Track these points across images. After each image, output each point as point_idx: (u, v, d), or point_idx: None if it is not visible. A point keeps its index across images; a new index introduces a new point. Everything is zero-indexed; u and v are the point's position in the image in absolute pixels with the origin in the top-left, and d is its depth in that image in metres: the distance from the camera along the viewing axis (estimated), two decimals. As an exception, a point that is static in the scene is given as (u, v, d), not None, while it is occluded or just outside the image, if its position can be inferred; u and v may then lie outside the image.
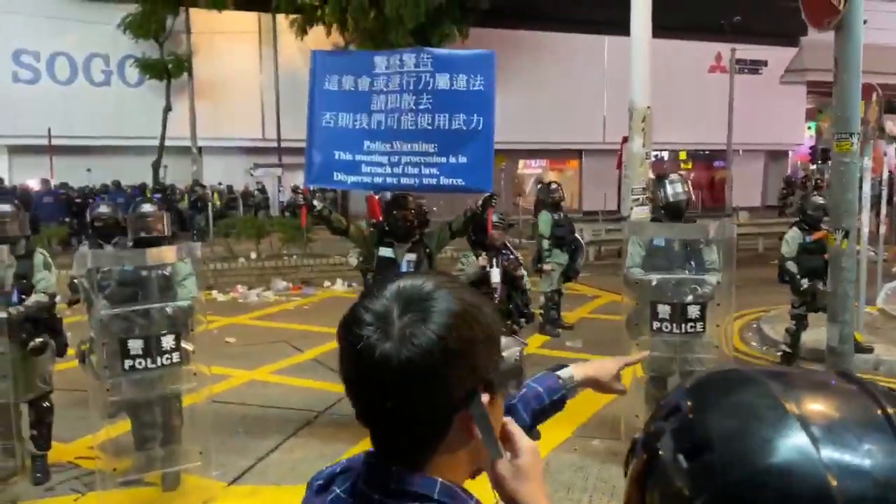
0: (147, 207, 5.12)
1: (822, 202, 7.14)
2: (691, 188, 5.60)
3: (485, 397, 0.96)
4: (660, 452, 0.57)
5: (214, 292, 12.06)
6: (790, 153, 31.65)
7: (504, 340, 1.03)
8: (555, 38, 25.69)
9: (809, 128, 32.02)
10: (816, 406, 0.54)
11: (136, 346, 4.38)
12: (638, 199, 9.61)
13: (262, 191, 22.93)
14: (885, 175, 9.74)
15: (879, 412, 0.53)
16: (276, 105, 23.70)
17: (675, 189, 5.50)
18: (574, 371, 1.50)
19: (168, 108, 22.16)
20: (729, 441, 0.53)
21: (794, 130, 30.29)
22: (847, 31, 4.31)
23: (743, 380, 0.59)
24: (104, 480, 4.54)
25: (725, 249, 5.05)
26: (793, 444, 0.51)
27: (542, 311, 8.81)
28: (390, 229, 5.55)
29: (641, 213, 8.84)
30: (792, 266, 7.12)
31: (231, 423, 5.97)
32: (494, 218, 5.82)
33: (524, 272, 5.76)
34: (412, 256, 5.49)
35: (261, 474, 5.09)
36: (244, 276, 13.10)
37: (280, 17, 22.37)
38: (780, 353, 7.58)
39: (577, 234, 9.45)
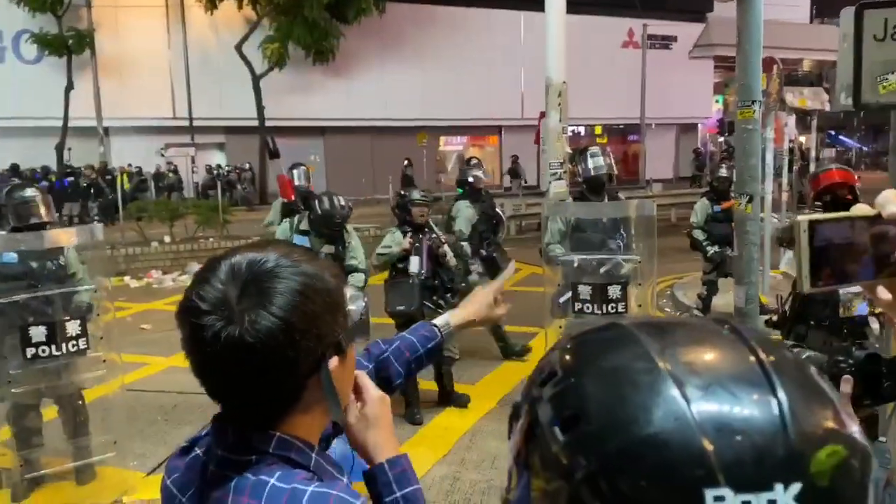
0: (29, 191, 4.64)
1: (727, 174, 7.46)
2: (612, 161, 5.44)
3: (334, 361, 0.99)
4: (539, 421, 0.54)
5: (127, 278, 11.60)
6: (699, 126, 32.81)
7: (348, 293, 1.05)
8: (471, 13, 25.71)
9: (717, 101, 33.27)
10: (691, 362, 0.51)
11: (38, 333, 4.14)
12: (556, 173, 9.77)
13: (175, 171, 22.11)
14: (786, 145, 10.23)
15: (753, 360, 0.51)
16: (186, 83, 22.82)
17: (595, 162, 5.30)
18: (450, 318, 1.53)
19: (70, 87, 21.01)
20: (603, 410, 0.50)
21: (702, 104, 31.41)
22: (748, 3, 4.47)
23: (619, 338, 0.55)
24: (10, 478, 4.33)
25: (645, 228, 4.96)
26: (668, 408, 0.48)
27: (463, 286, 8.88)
28: (315, 230, 5.50)
29: (559, 186, 8.99)
30: (699, 234, 7.45)
31: (149, 412, 5.79)
32: (416, 195, 5.78)
33: (447, 249, 5.74)
34: (330, 248, 5.44)
35: (182, 462, 4.95)
36: (158, 260, 12.64)
37: (188, -9, 21.50)
38: (692, 317, 7.91)
39: (497, 209, 9.53)
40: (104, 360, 4.49)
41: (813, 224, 0.74)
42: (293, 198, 7.15)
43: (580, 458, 0.49)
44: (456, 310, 1.58)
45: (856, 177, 4.14)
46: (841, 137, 37.68)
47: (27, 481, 4.43)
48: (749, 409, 0.47)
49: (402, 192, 6.16)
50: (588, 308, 4.80)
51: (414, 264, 5.53)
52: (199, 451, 1.05)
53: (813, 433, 0.47)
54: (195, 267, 12.33)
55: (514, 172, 23.71)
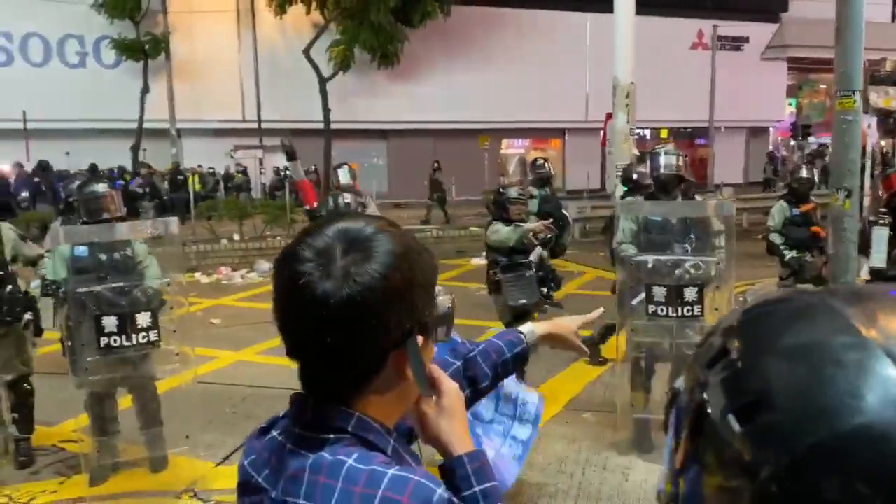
0: (100, 187, 4.79)
1: (807, 176, 7.17)
2: (686, 163, 5.20)
3: (419, 339, 0.99)
4: (708, 410, 0.45)
5: (197, 274, 11.91)
6: (771, 129, 31.78)
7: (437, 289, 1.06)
8: (537, 15, 25.53)
9: (790, 104, 32.17)
10: None
11: (110, 323, 4.25)
12: (622, 174, 9.60)
13: (244, 173, 22.66)
14: (869, 148, 9.78)
15: None
16: (255, 86, 23.37)
17: (668, 160, 5.10)
18: (535, 327, 1.52)
19: (146, 90, 21.78)
20: (794, 396, 0.41)
21: (774, 106, 30.39)
22: None
23: (809, 307, 0.45)
24: (89, 463, 4.46)
25: (725, 229, 4.77)
26: (885, 392, 0.39)
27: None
28: None
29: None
30: (776, 238, 7.16)
31: (218, 404, 5.90)
32: (514, 193, 5.79)
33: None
34: None
35: (250, 454, 5.03)
36: (227, 257, 12.96)
37: (258, -4, 22.02)
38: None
39: (563, 211, 9.41)
40: (177, 354, 4.58)
41: None
42: (315, 205, 7.25)
43: (766, 454, 0.41)
44: (540, 322, 1.57)
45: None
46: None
47: (104, 467, 4.57)
48: None
49: (501, 189, 6.14)
50: (662, 310, 4.64)
51: (535, 255, 5.54)
52: (275, 433, 1.04)
53: None
54: (264, 265, 12.65)
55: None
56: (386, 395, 1.00)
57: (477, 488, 1.06)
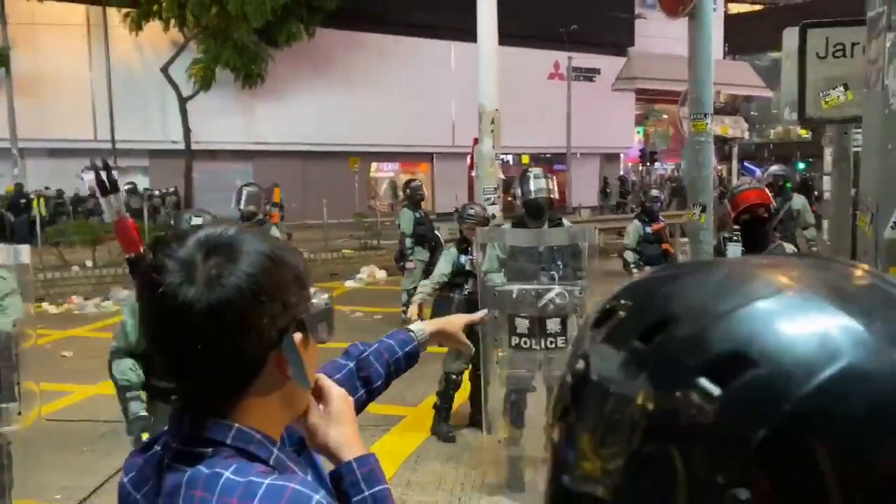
0: None
1: (657, 193, 7.79)
2: (556, 185, 5.16)
3: (297, 336, 0.97)
4: (657, 383, 0.42)
5: (45, 304, 11.03)
6: (622, 155, 33.94)
7: (312, 289, 1.04)
8: (402, 42, 25.92)
9: (638, 132, 34.55)
10: (824, 281, 0.44)
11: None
12: (490, 198, 9.93)
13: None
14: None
15: (871, 279, 0.46)
16: (108, 104, 22.07)
17: (537, 184, 5.04)
18: (424, 325, 1.55)
19: (-19, 106, 20.00)
20: (772, 349, 0.41)
21: (625, 134, 32.52)
22: (699, 17, 4.74)
23: (731, 276, 0.46)
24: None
25: (588, 256, 4.58)
26: (851, 336, 0.41)
27: (404, 308, 8.85)
28: None
29: (493, 211, 9.14)
30: (629, 255, 7.68)
31: (74, 442, 5.48)
32: (472, 212, 5.94)
33: None
34: None
35: (112, 493, 4.69)
36: (79, 285, 12.09)
37: (112, 11, 20.85)
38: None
39: (436, 233, 9.60)
40: (19, 393, 4.14)
41: None
42: (141, 251, 4.35)
43: (756, 412, 0.40)
44: (428, 321, 1.60)
45: (770, 196, 4.36)
46: (751, 167, 39.72)
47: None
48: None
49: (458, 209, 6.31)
50: (526, 342, 4.44)
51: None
52: (157, 447, 1.01)
53: None
54: (120, 292, 11.87)
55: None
56: (267, 400, 0.97)
57: (367, 493, 1.05)
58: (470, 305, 5.19)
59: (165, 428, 1.02)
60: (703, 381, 0.42)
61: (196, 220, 4.11)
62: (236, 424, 0.94)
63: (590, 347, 0.47)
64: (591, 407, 0.45)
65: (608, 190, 29.12)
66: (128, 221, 4.32)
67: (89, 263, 12.88)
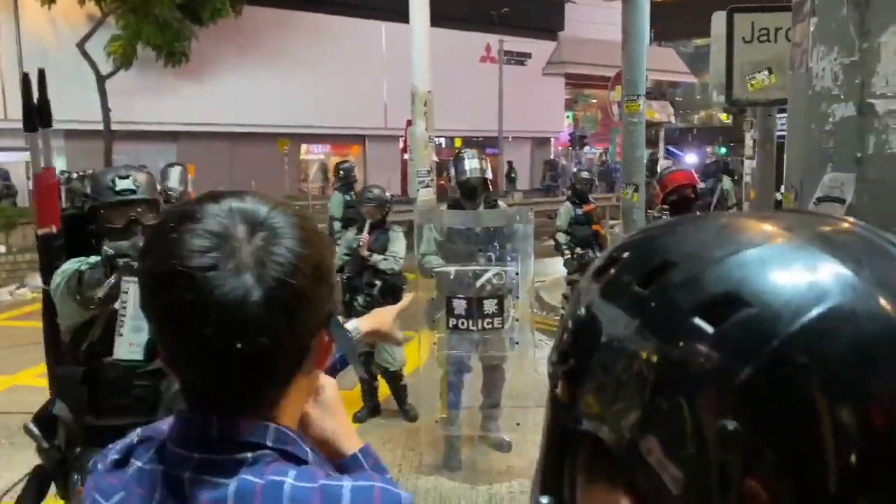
0: None
1: (588, 176, 7.96)
2: (490, 166, 5.13)
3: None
4: (649, 328, 0.45)
5: (-46, 293, 10.46)
6: (552, 140, 34.41)
7: None
8: (332, 21, 25.48)
9: (568, 117, 35.06)
10: (818, 233, 0.47)
11: None
12: (423, 181, 9.89)
13: (6, 178, 20.16)
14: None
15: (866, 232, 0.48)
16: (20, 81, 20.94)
17: (471, 164, 4.99)
18: (359, 324, 1.49)
19: None
20: (762, 292, 0.43)
21: (555, 119, 32.94)
22: (633, 0, 4.78)
23: (727, 224, 0.49)
24: None
25: (524, 238, 4.61)
26: (837, 279, 0.43)
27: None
28: None
29: (427, 195, 9.11)
30: (561, 237, 7.84)
31: (-9, 436, 5.23)
32: (371, 195, 6.05)
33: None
34: None
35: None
36: (-8, 273, 11.51)
37: (21, -18, 19.73)
38: (559, 318, 8.27)
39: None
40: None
41: None
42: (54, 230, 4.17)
43: (747, 348, 0.42)
44: (361, 319, 1.54)
45: (697, 177, 4.56)
46: (675, 151, 41.04)
47: None
48: None
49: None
50: (463, 324, 4.45)
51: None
52: (139, 464, 0.85)
53: None
54: (37, 279, 11.32)
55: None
56: (298, 391, 0.87)
57: None
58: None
59: (135, 439, 0.89)
60: (698, 321, 0.44)
61: (124, 183, 2.91)
62: (272, 424, 0.83)
63: (591, 295, 0.50)
64: (592, 351, 0.48)
65: (555, 174, 28.91)
66: (54, 177, 3.48)
67: (2, 249, 12.25)
